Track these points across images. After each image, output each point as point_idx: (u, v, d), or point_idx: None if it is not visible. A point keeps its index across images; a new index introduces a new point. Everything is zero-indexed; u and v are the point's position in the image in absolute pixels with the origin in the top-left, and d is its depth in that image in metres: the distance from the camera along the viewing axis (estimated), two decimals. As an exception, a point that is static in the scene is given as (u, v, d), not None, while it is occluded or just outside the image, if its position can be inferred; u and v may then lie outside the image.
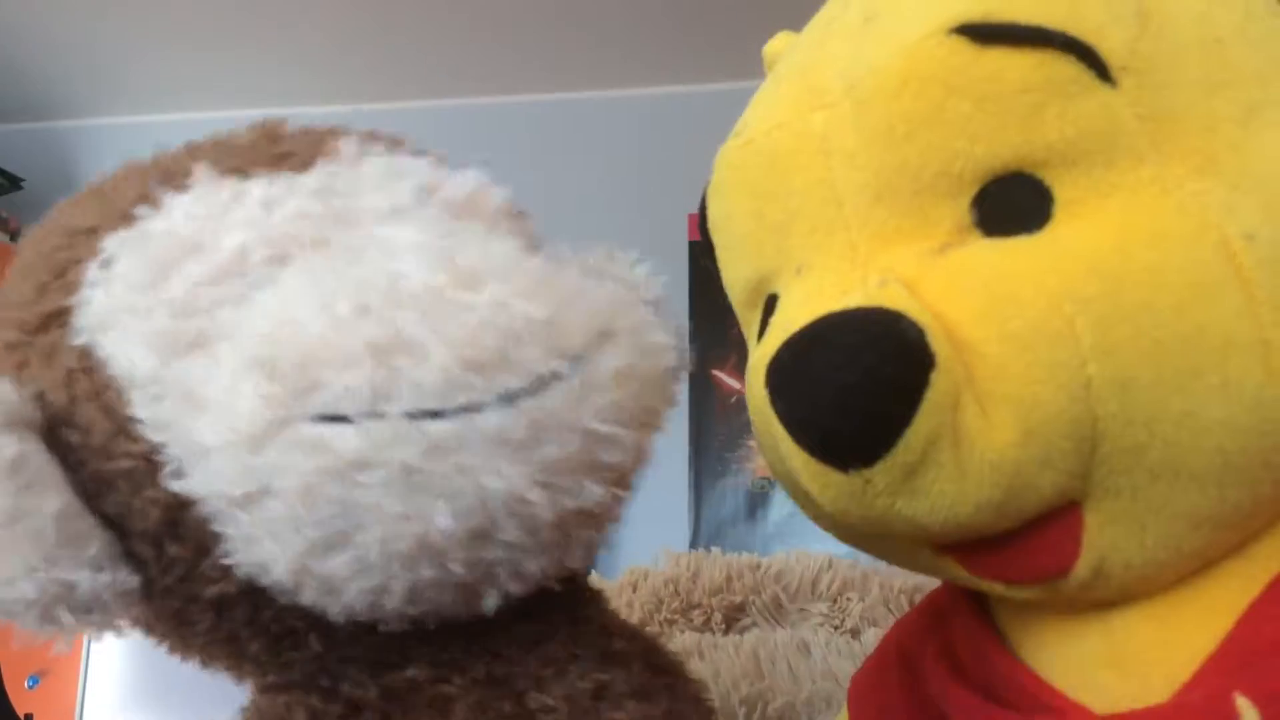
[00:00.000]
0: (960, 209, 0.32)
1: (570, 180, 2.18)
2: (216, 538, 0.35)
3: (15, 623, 0.35)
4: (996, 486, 0.30)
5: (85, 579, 0.34)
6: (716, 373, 2.16)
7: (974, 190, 0.32)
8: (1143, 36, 0.31)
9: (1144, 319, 0.29)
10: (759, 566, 0.88)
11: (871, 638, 0.77)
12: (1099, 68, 0.30)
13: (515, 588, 0.36)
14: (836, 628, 0.80)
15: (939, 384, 0.29)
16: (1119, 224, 0.30)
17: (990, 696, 0.36)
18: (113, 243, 0.37)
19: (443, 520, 0.31)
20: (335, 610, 0.35)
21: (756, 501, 2.13)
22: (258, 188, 0.37)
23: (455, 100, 2.37)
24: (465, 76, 2.29)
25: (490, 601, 0.36)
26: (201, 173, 0.38)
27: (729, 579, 0.86)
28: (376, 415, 0.31)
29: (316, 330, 0.32)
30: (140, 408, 0.35)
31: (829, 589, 0.83)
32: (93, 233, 0.38)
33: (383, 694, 0.39)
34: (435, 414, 0.31)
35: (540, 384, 0.32)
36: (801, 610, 0.84)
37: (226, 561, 0.35)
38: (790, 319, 0.33)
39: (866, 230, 0.33)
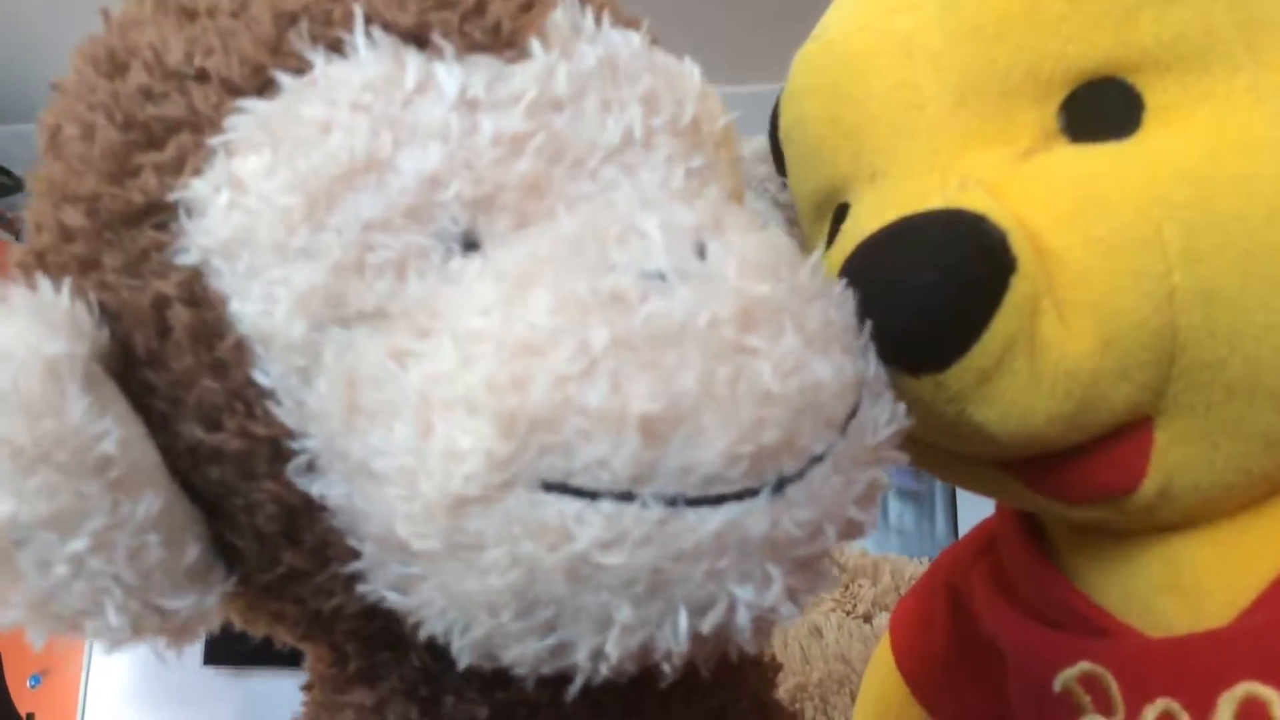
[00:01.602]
0: (1047, 114, 0.31)
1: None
2: (347, 552, 0.27)
3: (88, 641, 0.27)
4: (1070, 396, 0.29)
5: (185, 605, 0.27)
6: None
7: (1063, 94, 0.31)
8: None
9: (1233, 228, 0.28)
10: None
11: (883, 622, 0.77)
12: None
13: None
14: (848, 613, 0.79)
15: (1019, 287, 0.28)
16: (1212, 132, 0.30)
17: (1040, 619, 0.36)
18: (245, 122, 0.26)
19: (676, 631, 0.25)
20: (486, 665, 0.27)
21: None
22: (450, 76, 0.27)
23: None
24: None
25: (667, 674, 0.27)
26: (364, 30, 0.27)
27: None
28: (627, 498, 0.24)
29: (568, 369, 0.23)
30: (271, 377, 0.26)
31: (840, 575, 0.83)
32: (208, 84, 0.27)
33: (493, 712, 0.32)
34: (696, 501, 0.24)
35: (811, 465, 0.25)
36: (812, 595, 0.83)
37: (363, 589, 0.28)
38: (863, 226, 0.32)
39: (948, 133, 0.33)
